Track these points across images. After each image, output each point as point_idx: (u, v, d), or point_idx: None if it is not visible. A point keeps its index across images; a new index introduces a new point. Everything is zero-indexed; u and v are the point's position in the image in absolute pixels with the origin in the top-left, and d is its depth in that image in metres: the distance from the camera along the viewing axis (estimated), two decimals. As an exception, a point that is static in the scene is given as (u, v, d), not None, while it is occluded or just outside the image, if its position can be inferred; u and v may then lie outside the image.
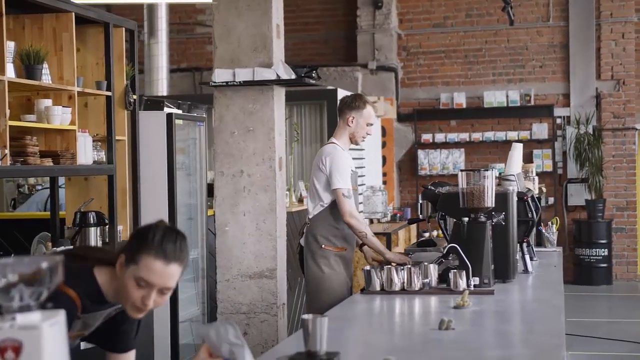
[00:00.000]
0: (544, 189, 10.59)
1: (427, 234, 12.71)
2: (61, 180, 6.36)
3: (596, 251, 12.86)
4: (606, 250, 12.88)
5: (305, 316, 2.85)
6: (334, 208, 5.40)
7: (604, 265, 12.90)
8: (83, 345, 4.73)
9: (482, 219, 4.63)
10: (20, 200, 8.98)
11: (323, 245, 5.43)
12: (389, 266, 4.55)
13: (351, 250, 5.56)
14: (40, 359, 1.79)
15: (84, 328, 2.92)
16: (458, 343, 3.26)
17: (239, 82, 6.03)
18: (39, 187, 9.26)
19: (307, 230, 5.53)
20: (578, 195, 13.21)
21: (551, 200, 13.16)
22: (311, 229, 5.49)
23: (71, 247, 5.33)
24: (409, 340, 3.44)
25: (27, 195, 8.66)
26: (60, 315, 1.87)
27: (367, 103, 5.57)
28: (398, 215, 11.35)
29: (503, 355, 3.13)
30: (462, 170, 4.68)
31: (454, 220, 4.79)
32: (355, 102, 5.56)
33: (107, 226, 5.87)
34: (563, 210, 13.29)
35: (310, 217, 5.52)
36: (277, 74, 6.04)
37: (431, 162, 13.56)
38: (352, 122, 5.52)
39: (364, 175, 10.80)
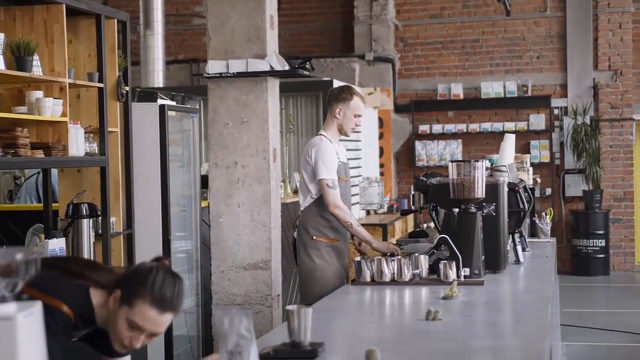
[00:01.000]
0: (539, 180, 10.57)
1: (424, 225, 12.72)
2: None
3: (593, 242, 12.87)
4: (603, 241, 12.89)
5: (290, 307, 2.86)
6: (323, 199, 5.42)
7: (601, 256, 12.91)
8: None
9: (473, 209, 4.63)
10: (16, 192, 8.97)
11: (314, 237, 5.45)
12: (379, 257, 4.55)
13: (344, 241, 5.57)
14: (15, 349, 1.80)
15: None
16: (444, 333, 3.27)
17: (233, 73, 6.02)
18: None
19: (299, 223, 5.57)
20: (575, 186, 13.21)
21: (548, 191, 13.16)
22: (302, 221, 5.52)
23: (65, 256, 5.28)
24: (396, 331, 3.45)
25: (20, 187, 8.65)
26: (36, 307, 1.88)
27: (354, 94, 5.57)
28: (395, 206, 11.35)
29: (487, 345, 3.13)
30: (452, 161, 4.68)
31: (445, 211, 4.79)
32: (342, 93, 5.57)
33: (99, 218, 5.87)
34: (560, 201, 13.29)
35: (301, 209, 5.56)
36: (271, 65, 6.04)
37: (428, 153, 13.56)
38: (339, 113, 5.53)
39: (361, 167, 10.81)
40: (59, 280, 2.80)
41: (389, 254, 5.14)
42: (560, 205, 13.28)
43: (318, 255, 5.43)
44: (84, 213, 5.69)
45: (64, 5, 5.47)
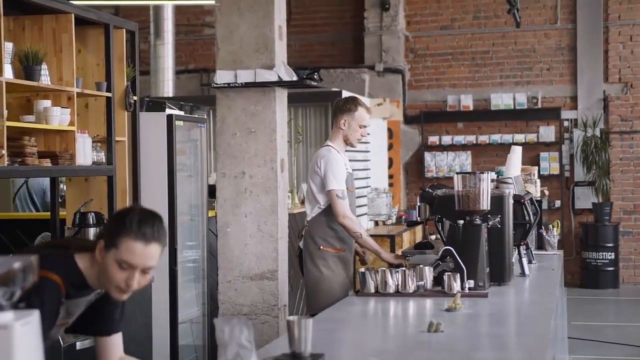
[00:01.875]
0: (547, 192, 10.54)
1: (433, 237, 12.70)
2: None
3: (603, 254, 12.82)
4: (613, 253, 12.84)
5: (290, 318, 2.86)
6: (331, 210, 5.43)
7: (611, 268, 12.86)
8: (79, 345, 4.77)
9: (478, 221, 4.62)
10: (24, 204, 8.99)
11: (321, 247, 5.47)
12: (384, 268, 4.55)
13: (350, 251, 5.58)
14: (11, 358, 1.80)
15: (67, 316, 2.96)
16: (445, 345, 3.26)
17: (241, 83, 6.04)
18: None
19: (305, 233, 5.58)
20: (585, 199, 13.17)
21: (558, 203, 13.13)
22: (309, 231, 5.54)
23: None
24: (397, 343, 3.45)
25: (26, 200, 8.67)
26: (34, 315, 1.89)
27: (359, 105, 5.59)
28: (404, 217, 11.33)
29: (488, 358, 3.13)
30: (457, 173, 4.68)
31: (450, 222, 4.79)
32: (347, 104, 5.59)
33: (106, 227, 5.88)
34: (570, 213, 13.26)
35: (309, 219, 5.58)
36: (279, 76, 6.05)
37: (438, 164, 13.55)
38: (344, 125, 5.55)
39: (370, 177, 10.80)
40: (44, 252, 2.87)
41: (395, 265, 5.15)
42: (569, 218, 13.24)
43: (325, 265, 5.45)
44: (91, 222, 5.71)
45: (72, 15, 5.50)
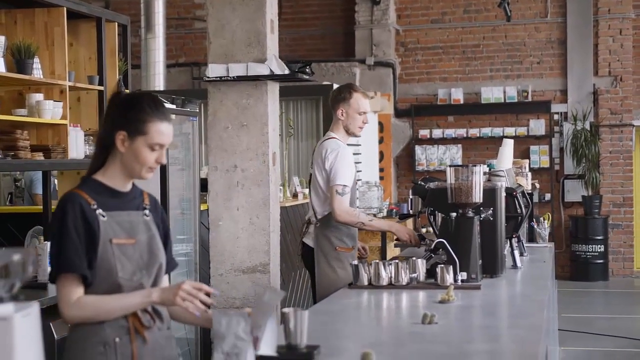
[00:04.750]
0: (537, 185, 10.60)
1: (424, 230, 12.72)
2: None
3: (592, 247, 12.88)
4: (602, 246, 12.90)
5: (286, 309, 2.88)
6: None
7: (600, 261, 12.93)
8: (57, 335, 4.74)
9: (470, 214, 4.64)
10: (17, 195, 8.99)
11: (337, 248, 5.34)
12: (377, 261, 4.56)
13: (355, 247, 5.53)
14: (12, 350, 1.81)
15: (123, 231, 2.98)
16: (439, 337, 3.28)
17: (233, 77, 6.04)
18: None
19: (317, 231, 5.40)
20: (575, 192, 13.23)
21: (548, 196, 13.18)
22: (322, 230, 5.38)
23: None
24: (391, 334, 3.47)
25: (21, 190, 8.67)
26: (34, 307, 1.89)
27: (354, 92, 5.43)
28: (395, 210, 11.35)
29: (483, 349, 3.15)
30: (450, 166, 4.69)
31: (442, 215, 4.80)
32: (341, 93, 5.46)
33: (99, 220, 5.88)
34: (560, 206, 13.31)
35: (319, 217, 5.40)
36: (271, 69, 6.05)
37: (428, 157, 13.58)
38: (342, 114, 5.43)
39: (361, 171, 10.82)
40: None
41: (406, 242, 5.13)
42: (559, 211, 13.29)
43: (341, 267, 5.33)
44: (84, 215, 5.70)
45: (64, 8, 5.49)
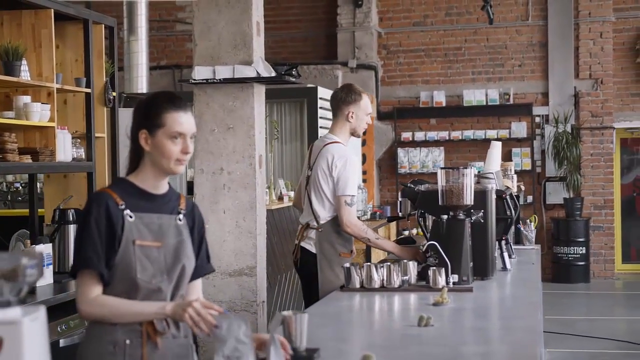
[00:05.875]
0: (523, 187, 10.64)
1: (406, 232, 12.75)
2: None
3: (574, 249, 12.94)
4: (584, 248, 12.97)
5: (286, 313, 2.86)
6: None
7: (582, 263, 12.99)
8: (62, 342, 4.73)
9: (461, 216, 4.64)
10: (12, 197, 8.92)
11: (341, 254, 5.26)
12: (369, 263, 4.56)
13: (354, 251, 5.48)
14: (21, 354, 1.79)
15: (151, 234, 2.99)
16: (437, 339, 3.28)
17: (219, 79, 6.02)
18: (17, 185, 9.22)
19: (320, 237, 5.27)
20: (556, 194, 13.29)
21: (530, 198, 13.23)
22: (326, 235, 5.25)
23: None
24: (388, 337, 3.46)
25: (4, 193, 8.60)
26: (41, 311, 1.87)
27: (362, 93, 5.36)
28: (378, 213, 11.37)
29: (481, 351, 3.15)
30: (441, 168, 4.69)
31: (433, 217, 4.80)
32: (352, 95, 5.33)
33: (86, 223, 5.83)
34: (541, 208, 13.37)
35: (322, 222, 5.27)
36: (257, 72, 6.04)
37: (411, 160, 13.60)
38: (352, 117, 5.32)
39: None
40: None
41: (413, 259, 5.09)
42: (541, 213, 13.35)
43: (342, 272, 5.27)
44: (71, 219, 5.66)
45: (52, 10, 5.45)
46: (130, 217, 2.96)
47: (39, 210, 6.05)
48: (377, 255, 9.44)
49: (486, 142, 13.15)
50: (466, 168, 4.65)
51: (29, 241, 5.70)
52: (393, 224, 11.78)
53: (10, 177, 9.30)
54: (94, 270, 2.92)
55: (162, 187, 3.08)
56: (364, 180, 12.74)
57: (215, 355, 2.74)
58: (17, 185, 9.30)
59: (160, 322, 2.97)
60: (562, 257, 12.96)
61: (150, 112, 2.99)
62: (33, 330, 1.83)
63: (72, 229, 5.69)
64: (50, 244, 5.47)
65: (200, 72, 6.06)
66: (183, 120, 2.99)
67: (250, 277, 6.01)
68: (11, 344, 1.79)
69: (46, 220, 5.92)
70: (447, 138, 13.44)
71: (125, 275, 2.94)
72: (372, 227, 9.82)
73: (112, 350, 2.93)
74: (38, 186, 6.77)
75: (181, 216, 3.09)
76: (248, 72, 6.03)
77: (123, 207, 2.96)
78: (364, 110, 5.35)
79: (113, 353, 2.93)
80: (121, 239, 2.93)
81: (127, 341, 2.93)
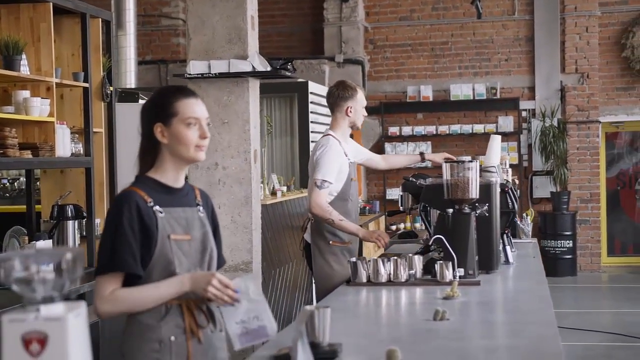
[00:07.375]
0: (517, 181, 10.67)
1: (393, 227, 12.76)
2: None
3: (561, 243, 12.99)
4: (571, 241, 13.02)
5: (309, 307, 2.84)
6: (338, 202, 5.35)
7: (569, 256, 13.05)
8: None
9: (467, 210, 4.63)
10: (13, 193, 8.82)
11: (331, 242, 5.39)
12: (375, 258, 4.55)
13: (355, 242, 5.54)
14: (65, 350, 1.77)
15: (180, 227, 2.98)
16: (456, 333, 3.27)
17: (215, 74, 5.99)
18: (4, 181, 9.11)
19: (312, 227, 5.45)
20: (543, 188, 13.34)
21: (517, 192, 13.25)
22: (317, 225, 5.42)
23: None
24: (407, 331, 3.44)
25: (4, 189, 8.51)
26: (82, 307, 1.85)
27: (357, 87, 5.59)
28: (367, 208, 11.36)
29: (502, 345, 3.15)
30: (446, 162, 4.68)
31: (438, 211, 4.79)
32: (347, 91, 5.54)
33: (84, 219, 5.79)
34: (528, 202, 13.41)
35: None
36: (253, 66, 6.02)
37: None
38: (350, 111, 5.55)
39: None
40: None
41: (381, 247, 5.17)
42: (528, 207, 13.38)
43: (336, 261, 5.37)
44: (69, 215, 5.62)
45: (51, 4, 5.39)
46: (161, 212, 2.95)
47: (37, 207, 5.99)
48: (367, 249, 9.44)
49: (473, 136, 13.21)
50: (471, 161, 4.64)
51: (26, 238, 5.65)
52: (382, 219, 11.77)
53: (13, 172, 9.17)
54: (131, 272, 2.89)
55: (181, 180, 3.08)
56: (352, 175, 12.71)
57: (226, 326, 2.73)
58: (5, 181, 9.19)
59: (200, 316, 2.95)
60: (549, 251, 13.00)
61: (162, 104, 3.00)
62: (76, 326, 1.81)
63: (70, 225, 5.64)
64: (51, 241, 5.43)
65: (196, 67, 6.03)
66: (195, 106, 3.00)
67: (246, 272, 6.01)
68: (56, 340, 1.77)
69: (43, 216, 5.87)
70: (434, 132, 13.45)
71: (165, 271, 2.92)
72: (361, 222, 9.86)
73: (158, 347, 2.91)
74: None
75: (201, 208, 3.09)
76: (244, 66, 6.01)
77: (152, 204, 2.94)
78: (361, 103, 5.60)
79: (158, 350, 2.91)
80: (157, 236, 2.91)
81: (172, 338, 2.91)
